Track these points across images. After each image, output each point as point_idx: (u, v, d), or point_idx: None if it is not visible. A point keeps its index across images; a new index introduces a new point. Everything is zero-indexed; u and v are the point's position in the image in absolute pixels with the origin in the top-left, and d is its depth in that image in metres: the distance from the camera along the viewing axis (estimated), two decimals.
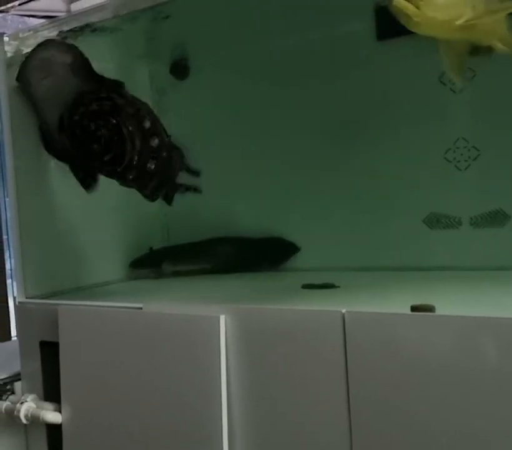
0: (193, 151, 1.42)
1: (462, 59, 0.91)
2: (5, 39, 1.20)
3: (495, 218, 1.14)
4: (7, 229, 2.03)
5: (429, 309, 0.77)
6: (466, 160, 1.16)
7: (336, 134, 1.28)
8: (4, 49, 1.20)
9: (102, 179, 1.19)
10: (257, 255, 1.32)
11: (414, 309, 0.78)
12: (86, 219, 1.30)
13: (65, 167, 1.23)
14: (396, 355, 0.76)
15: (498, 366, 0.70)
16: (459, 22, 0.80)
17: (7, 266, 2.08)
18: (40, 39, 1.20)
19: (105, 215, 1.33)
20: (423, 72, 1.19)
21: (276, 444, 0.85)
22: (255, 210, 1.38)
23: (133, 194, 1.28)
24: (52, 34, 1.21)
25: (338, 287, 1.05)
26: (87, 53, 1.34)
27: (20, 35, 1.22)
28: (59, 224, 1.25)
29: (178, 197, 1.37)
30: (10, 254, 1.78)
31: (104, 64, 1.39)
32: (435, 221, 1.19)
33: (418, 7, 0.77)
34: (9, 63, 1.19)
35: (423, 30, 0.83)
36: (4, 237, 2.05)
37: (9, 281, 2.12)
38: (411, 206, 1.21)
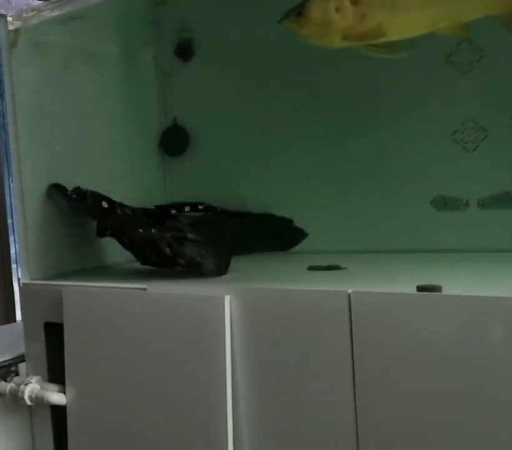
0: (197, 132, 1.42)
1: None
2: (9, 19, 1.19)
3: (503, 200, 1.13)
4: (12, 213, 2.02)
5: (435, 288, 0.76)
6: (473, 142, 1.15)
7: (344, 117, 1.27)
8: (7, 29, 1.19)
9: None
10: (265, 236, 1.31)
11: (420, 288, 0.77)
12: None
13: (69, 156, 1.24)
14: (402, 335, 0.76)
15: (504, 346, 0.69)
16: (343, 34, 0.96)
17: (12, 251, 2.08)
18: (43, 19, 1.19)
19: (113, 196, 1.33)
20: (430, 53, 1.17)
21: (281, 423, 0.85)
22: (261, 193, 1.37)
23: (138, 177, 1.28)
24: (55, 13, 1.20)
25: (345, 268, 1.05)
26: (91, 37, 1.34)
27: (24, 15, 1.21)
28: (63, 206, 1.25)
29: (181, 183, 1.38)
30: (15, 239, 1.77)
31: (108, 47, 1.38)
32: (442, 203, 1.18)
33: (301, 27, 0.97)
34: (12, 43, 1.18)
35: (312, 42, 1.00)
36: (9, 221, 2.05)
37: (14, 266, 2.12)
38: (418, 188, 1.20)
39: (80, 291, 1.04)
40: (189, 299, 0.90)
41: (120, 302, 0.99)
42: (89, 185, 1.24)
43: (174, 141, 1.46)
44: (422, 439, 0.75)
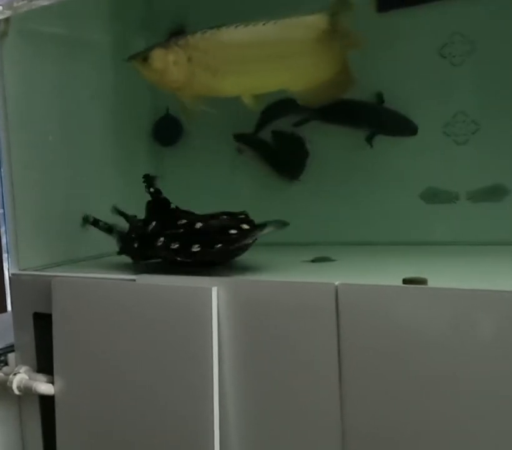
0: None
1: (190, 107, 1.16)
2: None
3: (492, 193, 1.13)
4: (3, 203, 2.02)
5: (421, 281, 0.76)
6: (464, 135, 1.15)
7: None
8: None
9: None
10: None
11: (406, 281, 0.77)
12: (83, 190, 1.29)
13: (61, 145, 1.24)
14: (388, 327, 0.76)
15: (490, 339, 0.70)
16: (173, 85, 1.12)
17: (3, 240, 2.07)
18: (34, 8, 1.18)
19: (103, 186, 1.33)
20: (422, 45, 1.17)
21: (268, 414, 0.86)
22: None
23: (129, 166, 1.27)
24: (47, 2, 1.19)
25: (334, 260, 1.05)
26: (83, 25, 1.34)
27: (15, 4, 1.20)
28: (55, 197, 1.24)
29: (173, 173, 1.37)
30: (6, 229, 1.76)
31: (101, 36, 1.38)
32: (432, 196, 1.19)
33: (144, 70, 1.13)
34: (3, 32, 1.17)
35: (153, 83, 1.16)
36: (0, 211, 2.05)
37: (5, 256, 2.11)
38: (408, 181, 1.21)
39: (69, 282, 1.04)
40: (177, 290, 0.90)
41: (108, 293, 0.99)
42: (80, 174, 1.24)
43: (166, 131, 1.46)
44: (409, 430, 0.75)
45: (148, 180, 1.10)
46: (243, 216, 0.98)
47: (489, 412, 0.70)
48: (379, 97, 1.20)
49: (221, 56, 1.09)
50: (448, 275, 0.88)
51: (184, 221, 1.00)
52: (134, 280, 0.97)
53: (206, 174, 1.41)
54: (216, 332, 0.87)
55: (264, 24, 1.07)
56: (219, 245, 0.92)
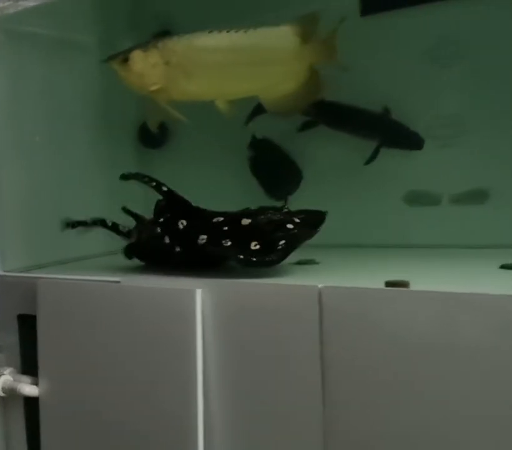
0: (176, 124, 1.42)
1: (159, 113, 1.22)
2: None
3: (476, 196, 1.15)
4: None
5: (403, 284, 0.77)
6: (448, 138, 1.16)
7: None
8: None
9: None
10: None
11: (389, 284, 0.78)
12: (69, 192, 1.29)
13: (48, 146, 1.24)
14: (371, 329, 0.76)
15: (471, 341, 0.70)
16: (151, 88, 1.14)
17: None
18: (20, 9, 1.19)
19: (88, 187, 1.34)
20: (406, 48, 1.19)
21: (251, 415, 0.86)
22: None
23: (114, 168, 1.27)
24: (33, 3, 1.20)
25: (318, 263, 1.05)
26: (70, 26, 1.34)
27: (1, 4, 1.20)
28: (41, 198, 1.24)
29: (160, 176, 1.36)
30: None
31: (87, 37, 1.38)
32: (415, 199, 1.20)
33: (123, 71, 1.13)
34: None
35: (131, 87, 1.17)
36: None
37: None
38: (391, 183, 1.22)
39: (55, 283, 1.04)
40: (161, 292, 0.91)
41: (93, 295, 0.99)
42: (67, 175, 1.24)
43: (152, 134, 1.46)
44: (392, 434, 0.76)
45: (148, 178, 1.07)
46: (286, 209, 0.95)
47: (473, 414, 0.71)
48: (386, 110, 1.21)
49: (196, 61, 1.12)
50: (430, 278, 0.89)
51: (221, 219, 0.96)
52: (119, 281, 0.98)
53: (193, 175, 1.41)
54: (200, 334, 0.87)
55: (236, 32, 1.11)
56: (283, 242, 0.90)
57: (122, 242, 1.13)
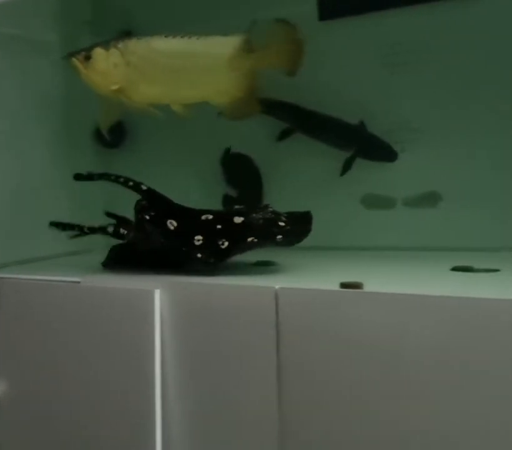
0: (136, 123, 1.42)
1: (112, 114, 1.26)
2: None
3: (429, 199, 1.17)
4: None
5: (357, 285, 0.79)
6: (403, 142, 1.19)
7: None
8: None
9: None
10: None
11: (343, 285, 0.80)
12: (31, 190, 1.29)
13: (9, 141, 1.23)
14: (326, 330, 0.78)
15: (424, 342, 0.72)
16: (113, 87, 1.14)
17: None
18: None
19: (50, 186, 1.33)
20: (363, 54, 1.21)
21: (208, 414, 0.87)
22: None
23: (72, 169, 1.27)
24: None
25: (276, 264, 1.07)
26: (29, 24, 1.33)
27: None
28: (3, 197, 1.24)
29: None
30: None
31: (49, 35, 1.37)
32: (371, 202, 1.22)
33: (85, 69, 1.13)
34: None
35: (90, 85, 1.15)
36: None
37: None
38: (349, 187, 1.24)
39: (15, 283, 1.04)
40: (120, 292, 0.92)
41: (53, 295, 0.99)
42: (28, 174, 1.24)
43: (110, 134, 1.45)
44: (346, 434, 0.77)
45: (124, 178, 1.06)
46: (271, 208, 0.99)
47: (423, 414, 0.72)
48: (362, 122, 1.23)
49: (153, 64, 1.14)
50: (384, 280, 0.91)
51: (210, 216, 0.97)
52: (79, 282, 0.98)
53: (153, 175, 1.41)
54: (158, 334, 0.88)
55: (190, 38, 1.13)
56: (280, 236, 0.93)
57: (84, 242, 1.13)
